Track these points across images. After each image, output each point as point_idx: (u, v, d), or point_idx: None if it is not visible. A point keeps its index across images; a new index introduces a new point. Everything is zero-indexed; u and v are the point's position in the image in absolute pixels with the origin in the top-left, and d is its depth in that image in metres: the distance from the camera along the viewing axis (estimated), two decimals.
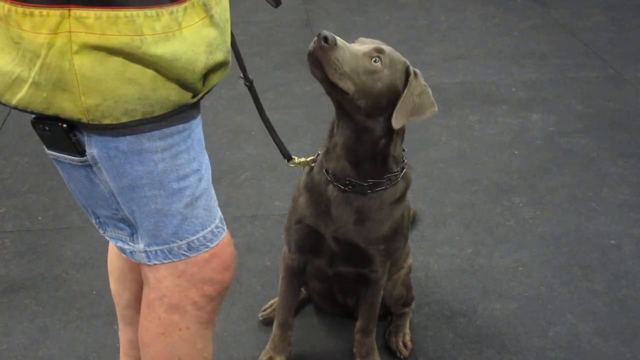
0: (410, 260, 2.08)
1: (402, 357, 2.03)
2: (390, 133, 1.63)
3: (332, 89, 1.54)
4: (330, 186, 1.70)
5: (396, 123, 1.59)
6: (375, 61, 1.55)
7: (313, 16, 4.69)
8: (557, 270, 2.38)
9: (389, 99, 1.59)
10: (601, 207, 2.72)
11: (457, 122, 3.36)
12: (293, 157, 1.73)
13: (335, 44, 1.49)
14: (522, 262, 2.42)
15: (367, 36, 1.70)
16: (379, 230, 1.73)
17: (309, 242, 1.80)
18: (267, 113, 1.65)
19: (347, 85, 1.52)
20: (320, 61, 1.49)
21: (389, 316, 2.13)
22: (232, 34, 1.35)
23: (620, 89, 3.67)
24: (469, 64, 4.01)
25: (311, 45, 1.49)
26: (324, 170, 1.71)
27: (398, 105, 1.58)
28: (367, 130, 1.61)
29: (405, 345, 2.05)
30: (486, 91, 3.68)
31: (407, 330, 2.08)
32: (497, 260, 2.43)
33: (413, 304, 2.15)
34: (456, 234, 2.57)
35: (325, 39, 1.47)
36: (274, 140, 1.70)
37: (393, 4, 4.93)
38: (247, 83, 1.57)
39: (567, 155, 3.07)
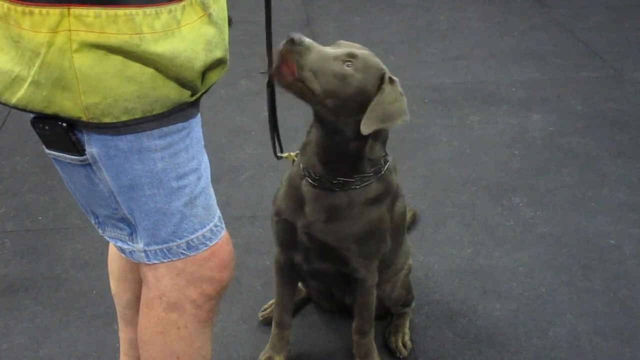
0: (410, 261, 2.07)
1: (401, 357, 2.02)
2: (364, 136, 1.61)
3: (298, 92, 1.54)
4: (304, 181, 1.72)
5: (364, 128, 1.57)
6: (347, 65, 1.55)
7: (313, 16, 4.69)
8: (557, 270, 2.38)
9: (360, 103, 1.58)
10: (601, 207, 2.72)
11: (457, 122, 3.36)
12: (283, 154, 1.76)
13: (302, 44, 1.50)
14: (522, 262, 2.42)
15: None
16: (348, 230, 1.72)
17: (286, 236, 1.81)
18: (266, 113, 1.67)
19: (313, 86, 1.52)
20: (286, 62, 1.50)
21: (389, 316, 2.13)
22: (269, 17, 1.42)
23: (620, 89, 3.67)
24: (469, 64, 4.01)
25: (279, 47, 1.50)
26: (300, 165, 1.72)
27: (367, 111, 1.57)
28: (338, 131, 1.62)
29: (404, 345, 2.04)
30: (486, 91, 3.68)
31: (407, 330, 2.08)
32: (497, 260, 2.43)
33: (413, 304, 2.15)
34: (456, 234, 2.57)
35: (292, 40, 1.49)
36: (271, 133, 1.71)
37: (393, 4, 4.93)
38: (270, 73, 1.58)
39: (567, 155, 3.08)
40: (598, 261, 2.42)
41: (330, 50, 1.57)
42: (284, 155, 1.76)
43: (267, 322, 2.12)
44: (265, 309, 2.17)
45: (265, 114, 3.28)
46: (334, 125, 1.61)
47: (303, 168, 1.71)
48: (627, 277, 2.34)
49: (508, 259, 2.44)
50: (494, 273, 2.37)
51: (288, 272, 1.92)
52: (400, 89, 1.63)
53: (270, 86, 1.61)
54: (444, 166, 3.00)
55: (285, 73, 1.51)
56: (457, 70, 3.92)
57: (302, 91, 1.54)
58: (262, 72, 1.58)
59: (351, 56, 1.56)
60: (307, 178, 1.71)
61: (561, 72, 3.89)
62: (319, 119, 1.64)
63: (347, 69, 1.55)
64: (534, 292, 2.28)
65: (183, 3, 1.10)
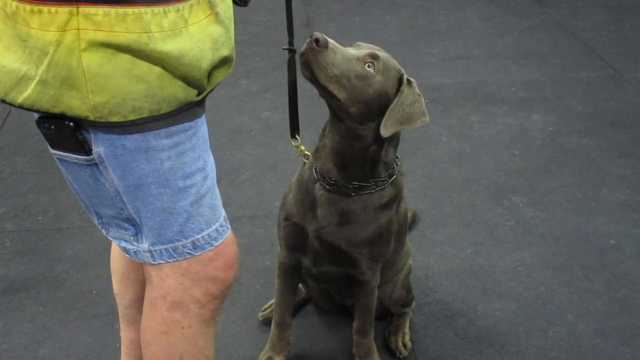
0: (410, 261, 2.08)
1: (401, 356, 2.03)
2: (382, 139, 1.62)
3: (324, 92, 1.55)
4: (317, 184, 1.71)
5: (385, 131, 1.58)
6: (368, 66, 1.55)
7: (313, 16, 4.69)
8: (557, 270, 2.38)
9: (380, 105, 1.58)
10: (601, 207, 2.72)
11: (457, 122, 3.36)
12: (298, 137, 1.75)
13: (327, 46, 1.49)
14: (522, 262, 2.42)
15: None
16: (361, 234, 1.72)
17: (296, 239, 1.80)
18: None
19: (337, 89, 1.52)
20: (310, 63, 1.49)
21: (389, 316, 2.13)
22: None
23: (620, 89, 3.67)
24: (469, 64, 4.01)
25: (303, 47, 1.50)
26: (313, 169, 1.72)
27: (387, 113, 1.57)
28: (358, 137, 1.61)
29: (404, 345, 2.05)
30: (486, 91, 3.68)
31: (407, 330, 2.08)
32: (497, 260, 2.43)
33: (413, 304, 2.15)
34: (456, 234, 2.57)
35: (317, 40, 1.47)
36: (290, 112, 1.73)
37: (393, 4, 4.93)
38: (292, 48, 1.62)
39: (567, 155, 3.08)
40: (598, 261, 2.42)
41: (352, 51, 1.57)
42: (297, 144, 1.75)
43: (267, 322, 2.12)
44: (265, 309, 2.17)
45: (265, 113, 3.30)
46: (355, 132, 1.60)
47: (317, 172, 1.71)
48: (627, 277, 2.34)
49: (508, 259, 2.44)
50: (494, 273, 2.37)
51: (292, 274, 1.92)
52: (417, 90, 1.63)
53: (291, 65, 1.62)
54: (444, 166, 3.00)
55: (307, 71, 1.51)
56: (457, 70, 3.92)
57: (325, 93, 1.54)
58: (284, 48, 1.59)
59: (373, 57, 1.56)
60: (321, 182, 1.70)
61: (561, 72, 3.89)
62: (338, 125, 1.62)
63: (369, 70, 1.55)
64: (534, 292, 2.28)
65: (190, 2, 1.10)
